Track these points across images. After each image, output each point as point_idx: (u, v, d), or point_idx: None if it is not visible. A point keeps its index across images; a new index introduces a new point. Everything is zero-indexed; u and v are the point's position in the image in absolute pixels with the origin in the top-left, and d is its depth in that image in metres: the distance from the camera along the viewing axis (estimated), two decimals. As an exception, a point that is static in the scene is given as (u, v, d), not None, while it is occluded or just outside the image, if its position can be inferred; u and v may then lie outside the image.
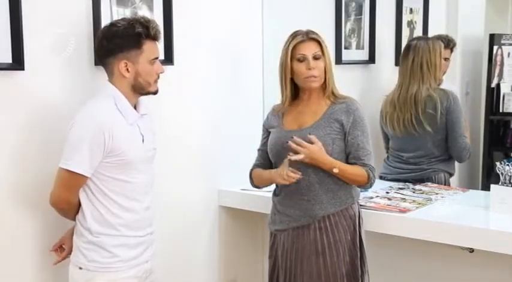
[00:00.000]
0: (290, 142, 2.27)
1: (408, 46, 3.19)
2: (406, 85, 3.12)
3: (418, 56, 3.11)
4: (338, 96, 2.40)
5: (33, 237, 2.26)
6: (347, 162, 2.37)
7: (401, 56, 3.25)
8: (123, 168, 2.06)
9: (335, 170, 2.29)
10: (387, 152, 3.37)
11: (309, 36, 2.36)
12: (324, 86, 2.38)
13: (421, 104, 3.06)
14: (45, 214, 2.21)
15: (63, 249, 2.23)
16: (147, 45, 2.07)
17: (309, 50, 2.35)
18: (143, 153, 2.13)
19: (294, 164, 2.29)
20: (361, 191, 2.61)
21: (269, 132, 2.48)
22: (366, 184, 2.38)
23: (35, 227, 2.25)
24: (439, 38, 3.54)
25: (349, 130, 2.34)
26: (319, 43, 2.36)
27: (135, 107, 2.13)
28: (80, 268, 2.07)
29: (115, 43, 2.04)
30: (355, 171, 2.34)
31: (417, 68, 3.10)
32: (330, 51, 2.43)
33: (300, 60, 2.36)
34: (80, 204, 2.08)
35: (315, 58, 2.34)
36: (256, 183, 2.53)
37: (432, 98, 3.05)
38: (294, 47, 2.37)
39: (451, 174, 3.22)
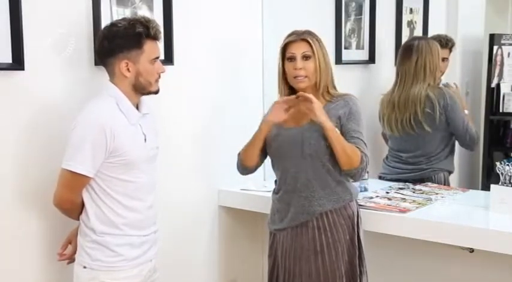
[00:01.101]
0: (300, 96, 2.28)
1: (409, 46, 3.16)
2: (408, 85, 3.10)
3: (421, 57, 3.09)
4: (335, 95, 2.40)
5: (37, 237, 2.26)
6: None
7: (400, 56, 3.21)
8: (125, 168, 2.06)
9: (336, 131, 2.27)
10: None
11: (300, 37, 2.35)
12: (317, 86, 2.37)
13: (421, 104, 3.05)
14: (48, 214, 2.21)
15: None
16: (148, 45, 2.07)
17: (298, 49, 2.34)
18: (146, 152, 2.14)
19: (294, 160, 2.33)
20: (361, 191, 2.61)
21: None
22: (358, 167, 2.29)
23: (39, 227, 2.26)
24: (438, 37, 3.53)
25: (345, 122, 2.34)
26: (310, 43, 2.34)
27: (137, 107, 2.13)
28: (84, 267, 2.08)
29: (116, 43, 2.04)
30: (351, 145, 2.30)
31: (421, 69, 3.08)
32: (327, 51, 2.40)
33: (289, 60, 2.36)
34: (83, 204, 2.08)
35: (305, 58, 2.34)
36: (243, 155, 2.48)
37: (430, 97, 3.04)
38: (285, 47, 2.38)
39: (450, 172, 3.22)
